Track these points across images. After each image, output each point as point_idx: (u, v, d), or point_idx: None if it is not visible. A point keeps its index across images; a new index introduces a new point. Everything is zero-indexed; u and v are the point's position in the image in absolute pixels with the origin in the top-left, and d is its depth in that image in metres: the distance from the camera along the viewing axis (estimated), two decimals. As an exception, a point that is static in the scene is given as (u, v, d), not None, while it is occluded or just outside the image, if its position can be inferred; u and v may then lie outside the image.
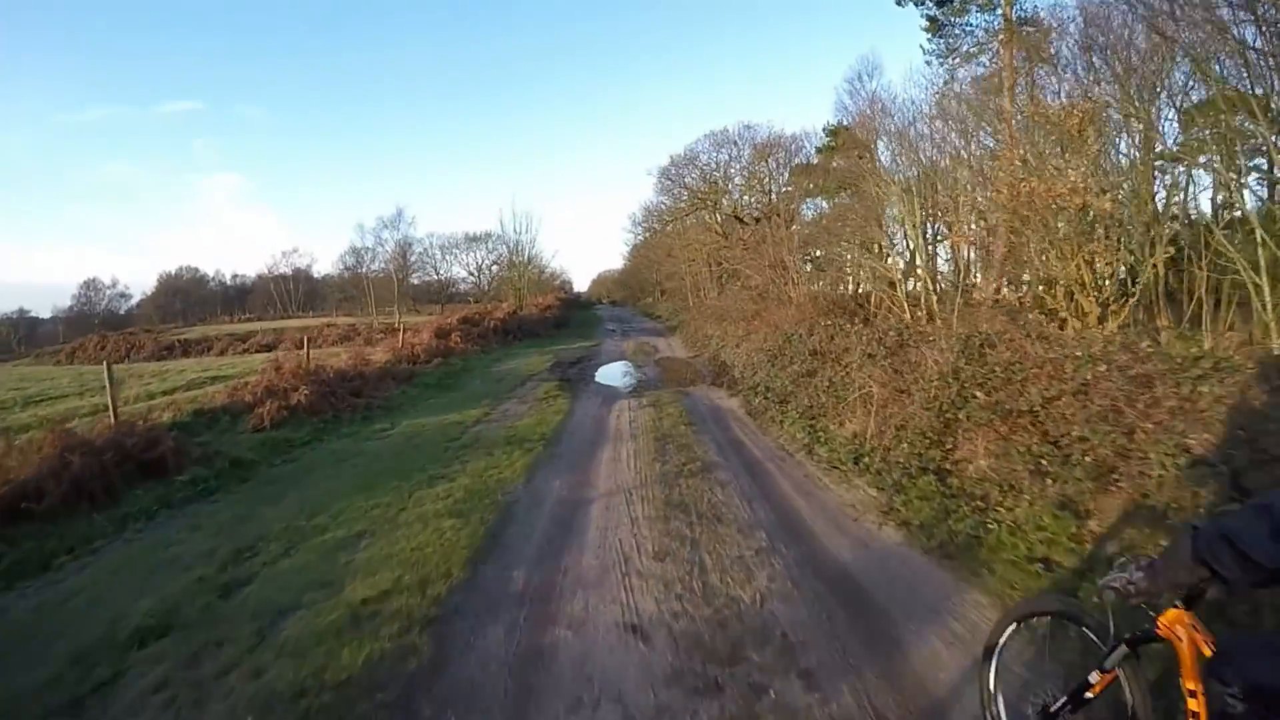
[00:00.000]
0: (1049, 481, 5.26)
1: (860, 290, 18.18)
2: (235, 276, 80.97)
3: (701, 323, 24.08)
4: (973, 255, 15.20)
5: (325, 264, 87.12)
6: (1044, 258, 10.32)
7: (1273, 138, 9.52)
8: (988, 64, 19.91)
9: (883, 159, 18.41)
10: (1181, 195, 12.99)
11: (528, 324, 29.57)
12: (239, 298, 76.70)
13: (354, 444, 8.88)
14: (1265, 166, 11.72)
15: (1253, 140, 10.93)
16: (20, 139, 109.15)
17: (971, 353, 7.24)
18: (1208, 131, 10.90)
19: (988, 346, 7.33)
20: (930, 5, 19.68)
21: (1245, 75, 10.40)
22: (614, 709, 2.95)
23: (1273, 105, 9.47)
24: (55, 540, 5.86)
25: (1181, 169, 12.70)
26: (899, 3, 19.98)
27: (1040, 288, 10.90)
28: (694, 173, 33.93)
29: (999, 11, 18.13)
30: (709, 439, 8.08)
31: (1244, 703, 1.41)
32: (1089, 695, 2.01)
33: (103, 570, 5.25)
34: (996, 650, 2.51)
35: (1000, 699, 2.52)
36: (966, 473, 5.93)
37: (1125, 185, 10.79)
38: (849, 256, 20.44)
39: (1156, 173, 12.71)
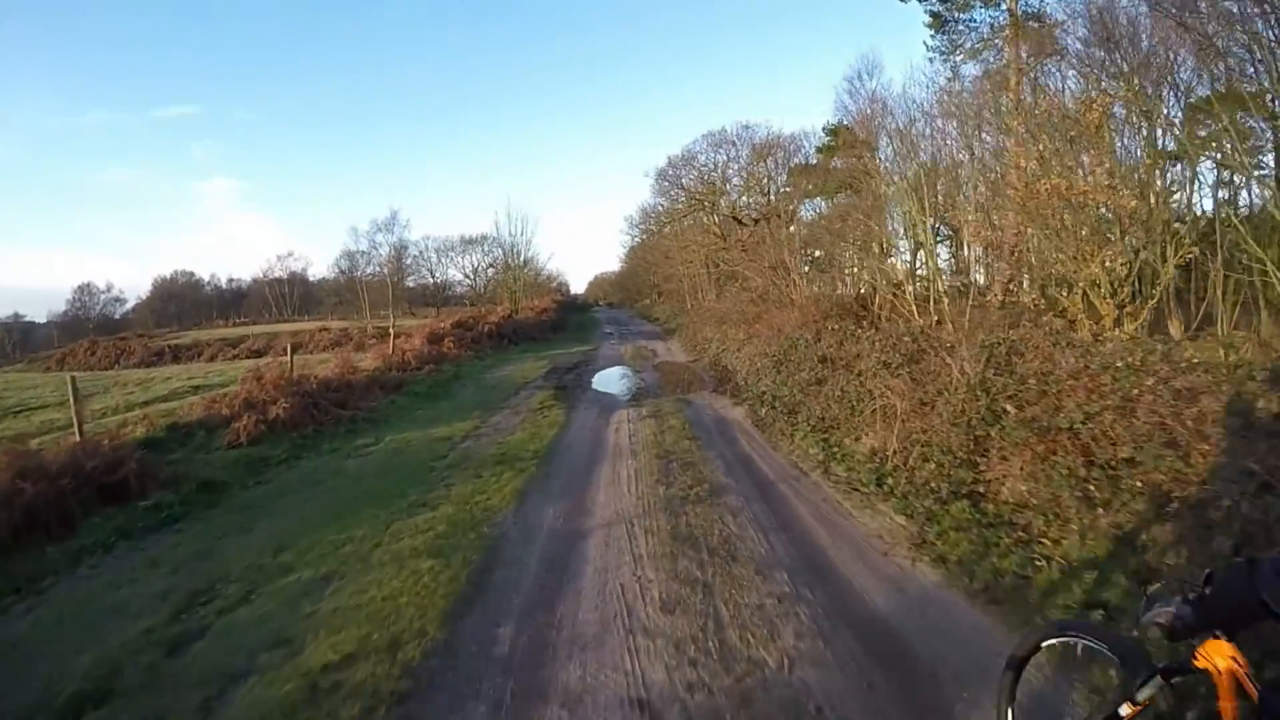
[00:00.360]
0: (1099, 510, 4.71)
1: (862, 292, 17.58)
2: (231, 280, 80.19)
3: (700, 325, 23.52)
4: (980, 255, 14.71)
5: (321, 267, 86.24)
6: (1058, 258, 9.79)
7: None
8: (993, 60, 19.50)
9: (885, 158, 17.96)
10: (1187, 192, 12.59)
11: (523, 328, 28.94)
12: (234, 302, 75.94)
13: (334, 462, 8.27)
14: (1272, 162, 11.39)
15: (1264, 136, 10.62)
16: (16, 144, 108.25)
17: (998, 362, 6.69)
18: (1223, 123, 10.47)
19: (1015, 355, 6.79)
20: (934, 1, 19.19)
21: (1254, 70, 10.03)
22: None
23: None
24: (1, 579, 5.31)
25: (1183, 165, 12.34)
26: (903, -1, 19.48)
27: (1053, 289, 10.38)
28: (691, 174, 33.51)
29: (1004, 7, 17.64)
30: (715, 455, 7.50)
31: None
32: None
33: (48, 616, 4.70)
34: (1017, 672, 2.37)
35: None
36: (1001, 496, 5.38)
37: (1136, 182, 10.34)
38: (851, 257, 19.96)
39: (1166, 170, 12.29)
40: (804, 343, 11.57)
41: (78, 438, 8.05)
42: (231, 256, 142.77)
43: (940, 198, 14.46)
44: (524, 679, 3.29)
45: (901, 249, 16.45)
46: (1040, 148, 10.20)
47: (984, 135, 15.05)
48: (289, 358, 13.06)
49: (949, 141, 15.38)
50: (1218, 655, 1.58)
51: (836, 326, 11.69)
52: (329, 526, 5.68)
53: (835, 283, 19.75)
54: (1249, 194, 12.67)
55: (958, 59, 20.58)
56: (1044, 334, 8.16)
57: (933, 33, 20.36)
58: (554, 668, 3.37)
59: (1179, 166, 12.42)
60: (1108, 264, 9.10)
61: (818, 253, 20.30)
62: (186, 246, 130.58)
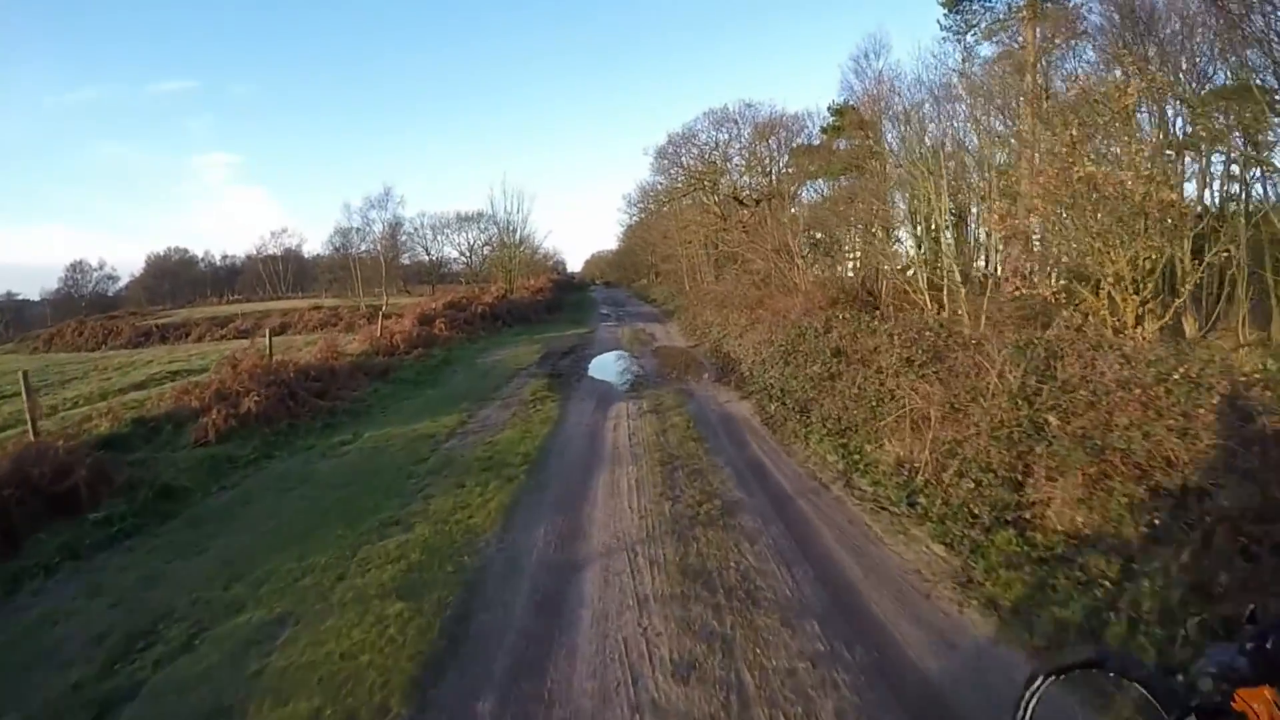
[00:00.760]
0: (1168, 547, 4.07)
1: (866, 278, 16.84)
2: (225, 257, 79.02)
3: (700, 309, 22.82)
4: (996, 243, 14.00)
5: (316, 244, 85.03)
6: (1084, 249, 9.09)
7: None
8: (1007, 42, 18.85)
9: (893, 139, 17.25)
10: (1200, 184, 11.98)
11: (518, 308, 28.11)
12: (229, 279, 74.81)
13: (305, 464, 7.58)
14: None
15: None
16: (9, 120, 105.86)
17: (1037, 365, 6.03)
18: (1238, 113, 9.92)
19: (1053, 358, 6.13)
20: (950, -21, 18.56)
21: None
22: None
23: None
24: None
25: (1193, 157, 11.72)
26: (916, -22, 18.79)
27: (1075, 283, 9.70)
28: (692, 152, 32.54)
29: (1022, -13, 16.92)
30: (724, 461, 6.83)
31: None
32: None
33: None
34: (1032, 698, 2.21)
35: None
36: (1049, 524, 4.74)
37: (1161, 172, 9.70)
38: (855, 240, 19.27)
39: (1184, 160, 11.63)
40: (813, 333, 10.89)
41: (32, 437, 7.38)
42: (227, 233, 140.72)
43: (959, 181, 13.74)
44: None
45: (907, 235, 15.75)
46: (1072, 132, 9.46)
47: (1004, 118, 14.38)
48: (268, 342, 12.33)
49: (956, 124, 14.69)
50: (1257, 700, 1.53)
51: (847, 316, 10.99)
52: (290, 549, 5.01)
53: (836, 266, 19.09)
54: (1264, 188, 12.01)
55: (971, 40, 19.94)
56: (1077, 334, 7.55)
57: (946, 11, 19.79)
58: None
59: (1185, 159, 11.79)
60: (1140, 259, 8.43)
61: (817, 234, 19.56)
62: (182, 223, 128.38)
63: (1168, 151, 10.86)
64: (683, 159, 33.12)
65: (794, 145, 28.69)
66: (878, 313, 13.03)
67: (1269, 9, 9.72)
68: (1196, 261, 9.04)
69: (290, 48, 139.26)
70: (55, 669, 3.84)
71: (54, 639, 4.24)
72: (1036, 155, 11.21)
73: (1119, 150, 9.29)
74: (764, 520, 5.21)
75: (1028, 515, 4.90)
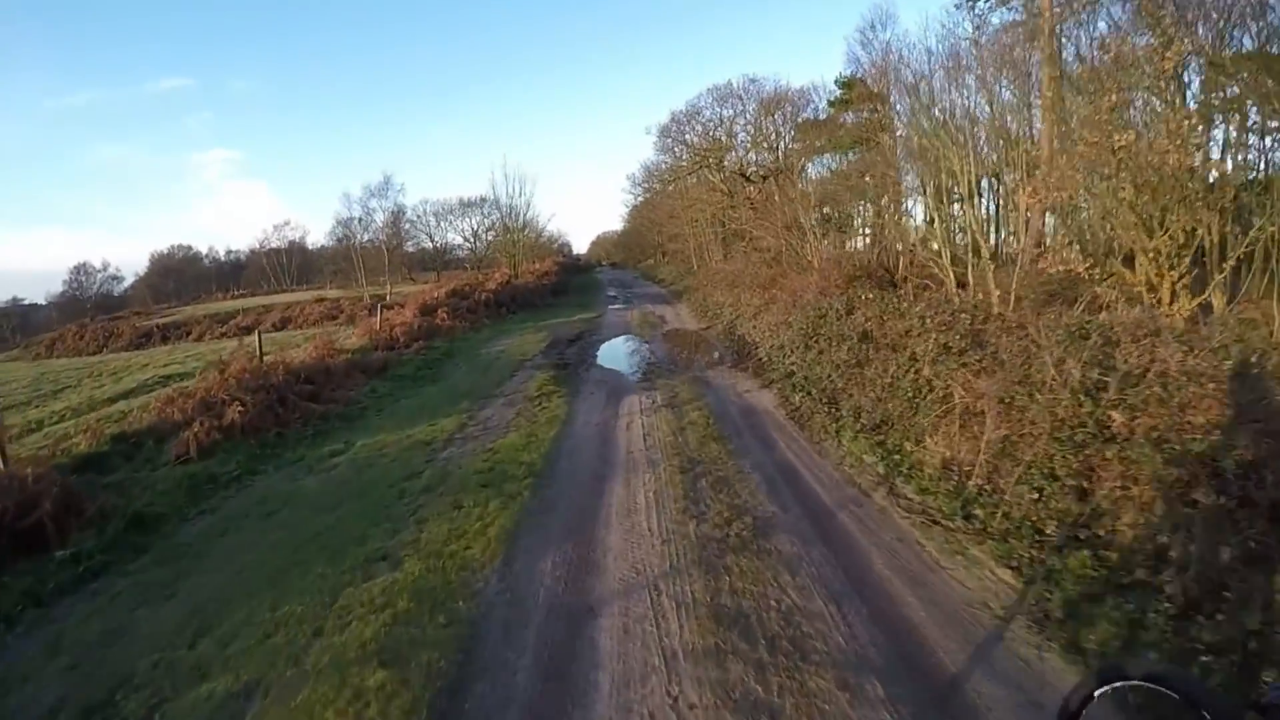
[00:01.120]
0: (1267, 575, 3.42)
1: (882, 254, 16.01)
2: (229, 252, 79.14)
3: (710, 289, 22.06)
4: (1022, 216, 13.17)
5: (319, 235, 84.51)
6: (1123, 222, 8.30)
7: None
8: (1020, 8, 17.88)
9: (904, 110, 16.41)
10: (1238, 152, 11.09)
11: (523, 294, 27.36)
12: (233, 274, 74.88)
13: (291, 481, 6.94)
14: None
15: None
16: (9, 125, 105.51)
17: (1094, 354, 5.31)
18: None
19: (1110, 345, 5.41)
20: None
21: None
22: None
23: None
24: None
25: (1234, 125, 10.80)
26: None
27: (1113, 258, 8.91)
28: (696, 129, 31.68)
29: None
30: (751, 466, 6.16)
31: None
32: None
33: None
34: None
35: None
36: (1122, 538, 4.07)
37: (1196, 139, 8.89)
38: (868, 215, 18.46)
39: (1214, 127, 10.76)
40: (835, 314, 10.16)
41: (1, 467, 6.80)
42: (230, 229, 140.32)
43: (980, 151, 12.87)
44: None
45: (926, 208, 14.92)
46: (1112, 98, 8.63)
47: (1023, 88, 13.55)
48: (257, 342, 11.71)
49: (967, 95, 13.80)
50: None
51: (870, 296, 10.24)
52: (264, 593, 4.39)
53: (846, 243, 18.33)
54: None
55: (984, 5, 19.04)
56: (1143, 318, 6.84)
57: (958, -24, 18.81)
58: None
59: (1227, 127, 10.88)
60: (1179, 231, 7.70)
61: (825, 208, 18.74)
62: (185, 221, 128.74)
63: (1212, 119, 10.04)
64: (687, 136, 32.28)
65: (800, 120, 27.83)
66: (899, 292, 12.30)
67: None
68: (1240, 233, 8.24)
69: (287, 41, 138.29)
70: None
71: (4, 713, 3.68)
72: (1072, 124, 10.34)
73: (1154, 118, 8.53)
74: (803, 542, 4.54)
75: (1100, 532, 4.22)
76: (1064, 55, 14.06)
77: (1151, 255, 7.98)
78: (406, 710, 3.07)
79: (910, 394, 6.85)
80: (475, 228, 54.42)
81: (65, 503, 6.29)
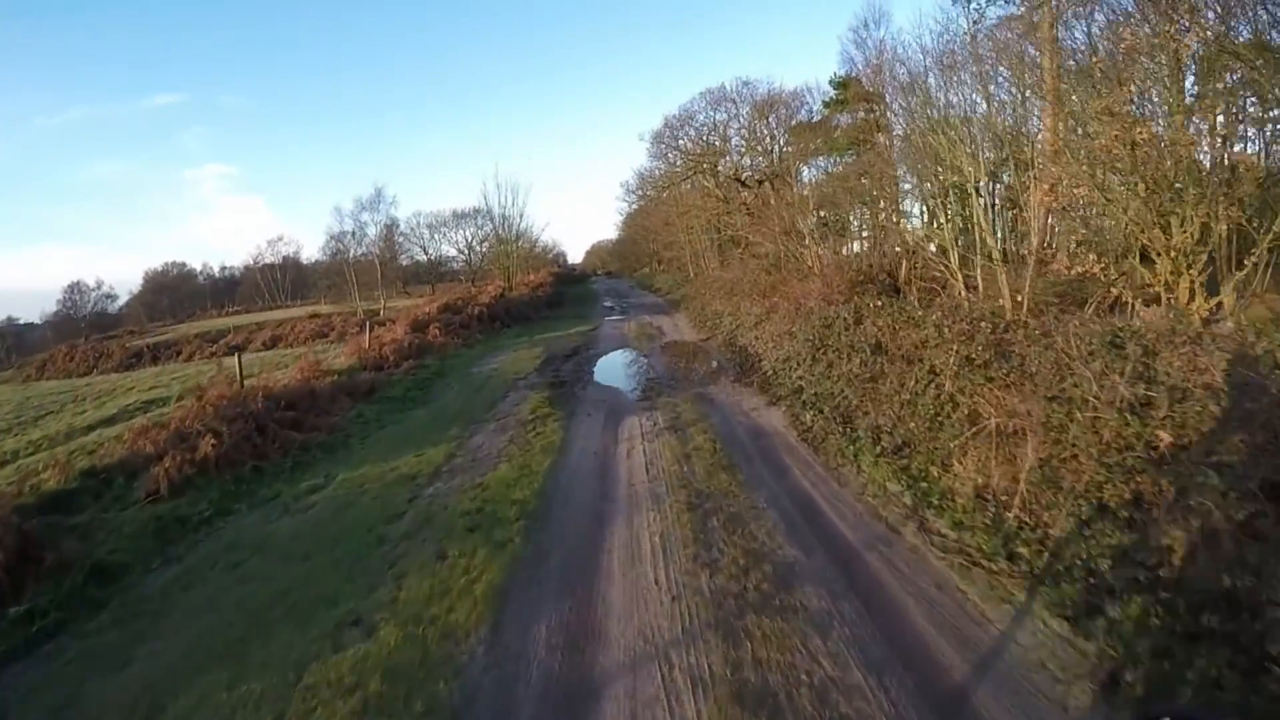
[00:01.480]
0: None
1: (884, 257, 15.51)
2: (224, 269, 78.97)
3: (708, 297, 21.57)
4: (1032, 216, 12.72)
5: (313, 250, 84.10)
6: (1142, 220, 7.83)
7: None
8: (1018, 1, 17.51)
9: (901, 109, 15.94)
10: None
11: (517, 307, 26.81)
12: (228, 290, 74.68)
13: (264, 523, 6.36)
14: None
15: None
16: (2, 144, 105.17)
17: (1135, 365, 4.84)
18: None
19: (1148, 356, 4.93)
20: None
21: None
22: None
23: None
24: None
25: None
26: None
27: (1131, 259, 8.44)
28: (690, 134, 31.30)
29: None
30: (765, 499, 5.63)
31: None
32: None
33: None
34: None
35: None
36: (1193, 583, 3.55)
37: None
38: (867, 218, 18.00)
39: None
40: (842, 323, 9.68)
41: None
42: (224, 245, 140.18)
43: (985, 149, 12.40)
44: None
45: (929, 210, 14.47)
46: (1130, 89, 8.18)
47: (1025, 83, 13.10)
48: (238, 365, 11.19)
49: (965, 91, 13.34)
50: None
51: (879, 304, 9.75)
52: (224, 665, 3.86)
53: (842, 249, 17.84)
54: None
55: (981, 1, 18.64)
56: (1154, 316, 6.39)
57: (955, -30, 18.40)
58: None
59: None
60: (1199, 228, 7.28)
61: (821, 212, 18.29)
62: (180, 237, 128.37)
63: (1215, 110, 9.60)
64: (680, 142, 31.88)
65: (794, 123, 27.39)
66: (905, 297, 11.83)
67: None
68: (1263, 228, 7.78)
69: (279, 56, 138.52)
70: None
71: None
72: (1079, 118, 9.88)
73: (1174, 108, 8.09)
74: (831, 595, 4.01)
75: (1163, 573, 3.72)
76: (1065, 48, 13.65)
77: (1171, 254, 7.56)
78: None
79: (932, 411, 6.36)
80: (469, 239, 53.93)
81: (23, 551, 5.78)
